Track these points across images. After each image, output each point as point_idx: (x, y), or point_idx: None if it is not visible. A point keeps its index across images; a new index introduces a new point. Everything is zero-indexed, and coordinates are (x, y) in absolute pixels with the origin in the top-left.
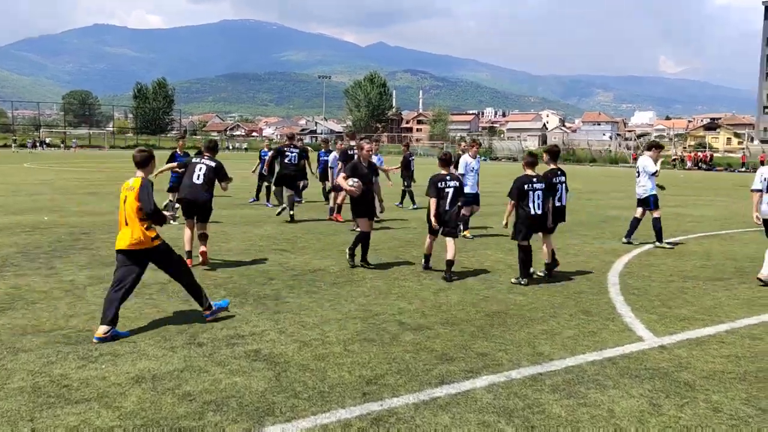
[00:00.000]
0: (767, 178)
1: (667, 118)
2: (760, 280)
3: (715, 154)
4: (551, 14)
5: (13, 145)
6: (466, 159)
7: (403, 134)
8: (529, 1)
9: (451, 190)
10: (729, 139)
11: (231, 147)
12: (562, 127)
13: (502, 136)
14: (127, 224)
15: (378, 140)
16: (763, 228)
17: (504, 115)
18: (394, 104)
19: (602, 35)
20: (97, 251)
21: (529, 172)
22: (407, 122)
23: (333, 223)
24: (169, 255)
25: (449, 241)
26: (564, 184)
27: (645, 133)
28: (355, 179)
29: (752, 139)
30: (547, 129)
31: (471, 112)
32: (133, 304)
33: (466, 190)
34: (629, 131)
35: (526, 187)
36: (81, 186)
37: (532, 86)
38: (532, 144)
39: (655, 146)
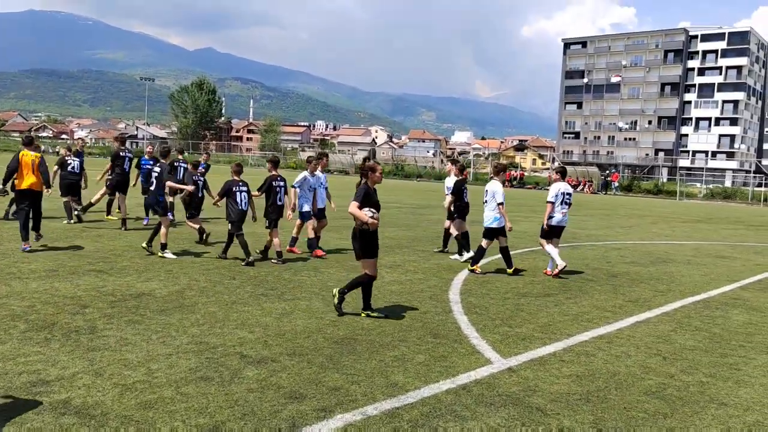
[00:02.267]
0: (564, 192)
1: (483, 139)
2: (546, 274)
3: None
4: (380, 35)
5: None
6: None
7: (232, 143)
8: (360, 21)
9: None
10: (534, 159)
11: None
12: (390, 143)
13: (333, 149)
14: None
15: (326, 156)
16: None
17: (335, 128)
18: (223, 112)
19: (427, 59)
20: None
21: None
22: (237, 131)
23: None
24: None
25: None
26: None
27: (465, 151)
28: (373, 209)
29: (554, 160)
30: (376, 144)
31: (302, 123)
32: None
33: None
34: (450, 149)
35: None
36: None
37: (361, 102)
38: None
39: (503, 169)
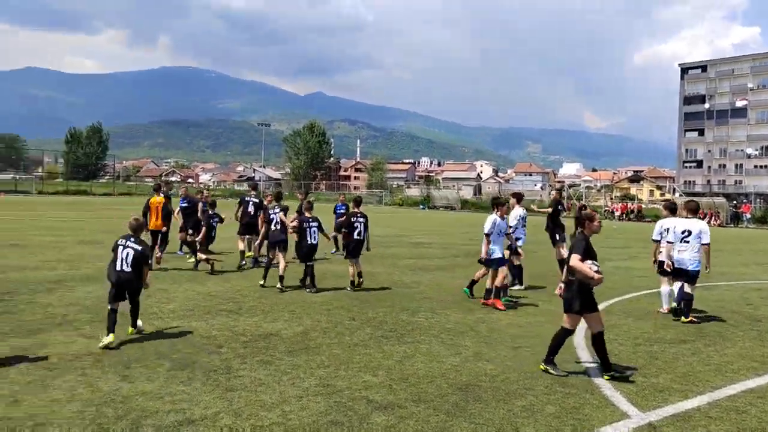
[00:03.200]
0: (668, 228)
1: (594, 170)
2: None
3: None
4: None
5: None
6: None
7: (341, 182)
8: (460, 60)
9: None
10: (652, 191)
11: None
12: (496, 177)
13: (438, 185)
14: None
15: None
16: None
17: (439, 164)
18: (332, 153)
19: (531, 91)
20: (20, 315)
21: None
22: (345, 170)
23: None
24: None
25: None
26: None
27: (575, 184)
28: (596, 262)
29: (674, 191)
30: (481, 179)
31: (407, 161)
32: (62, 382)
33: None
34: (559, 181)
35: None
36: (1, 236)
37: (465, 137)
38: (468, 193)
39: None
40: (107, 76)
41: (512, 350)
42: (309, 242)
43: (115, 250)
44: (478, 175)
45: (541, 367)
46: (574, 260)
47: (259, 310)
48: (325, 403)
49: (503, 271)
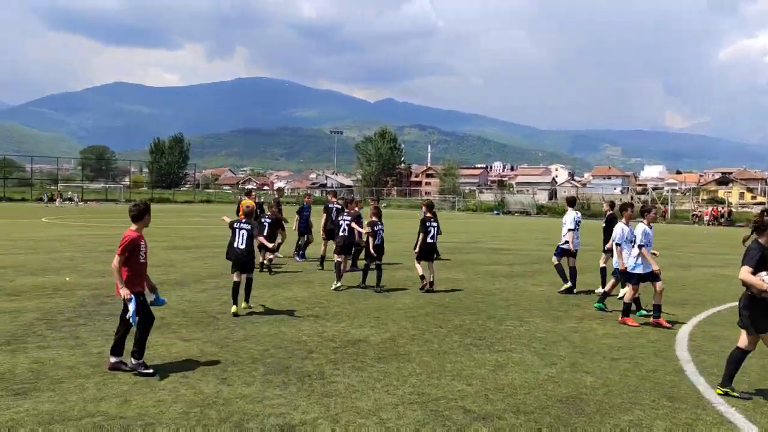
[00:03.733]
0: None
1: (678, 172)
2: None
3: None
4: (556, 72)
5: (44, 197)
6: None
7: (412, 188)
8: (534, 61)
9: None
10: (742, 193)
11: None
12: (572, 181)
13: (511, 189)
14: None
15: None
16: None
17: (512, 168)
18: (403, 159)
19: (608, 92)
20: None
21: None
22: (416, 176)
23: (360, 289)
24: None
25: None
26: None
27: (657, 187)
28: None
29: (766, 193)
30: (556, 183)
31: (479, 165)
32: (166, 383)
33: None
34: (640, 185)
35: None
36: (100, 243)
37: (538, 141)
38: (543, 198)
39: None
40: (186, 88)
41: (611, 362)
42: (377, 243)
43: (233, 230)
44: (553, 179)
45: (719, 390)
46: (744, 273)
47: (345, 315)
48: (422, 411)
49: (659, 285)
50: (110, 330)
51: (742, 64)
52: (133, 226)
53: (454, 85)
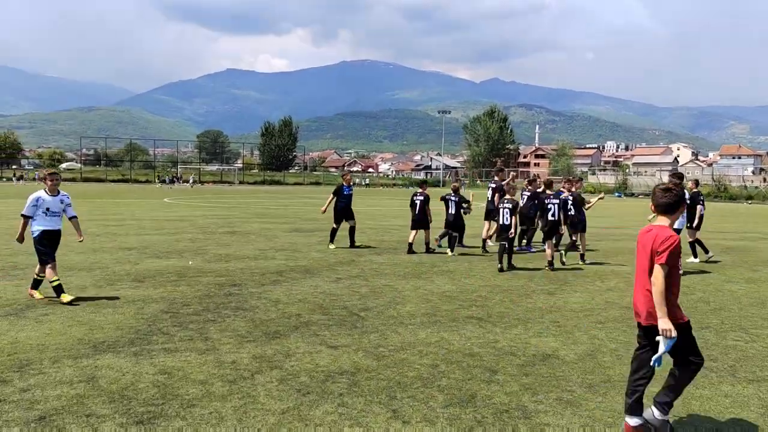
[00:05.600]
0: None
1: None
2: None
3: None
4: (677, 46)
5: (166, 179)
6: None
7: (520, 169)
8: (652, 36)
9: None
10: None
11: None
12: (696, 161)
13: (627, 170)
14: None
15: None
16: None
17: (627, 148)
18: (513, 139)
19: (735, 66)
20: (254, 313)
21: None
22: (524, 157)
23: (514, 274)
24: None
25: None
26: None
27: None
28: None
29: None
30: (678, 163)
31: (591, 146)
32: (325, 414)
33: None
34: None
35: None
36: (219, 224)
37: (656, 119)
38: (666, 179)
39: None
40: (294, 73)
41: None
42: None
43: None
44: (675, 159)
45: None
46: None
47: (513, 317)
48: None
49: None
50: (242, 330)
51: None
52: (666, 221)
53: (564, 62)
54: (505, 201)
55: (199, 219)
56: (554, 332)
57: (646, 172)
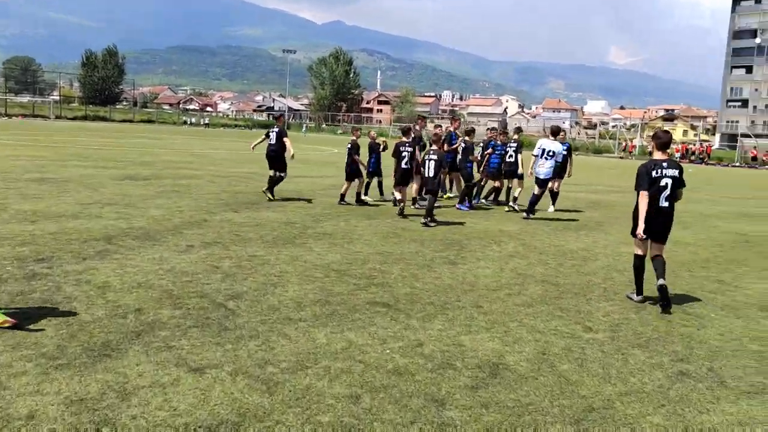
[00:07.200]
0: (544, 149)
1: (622, 108)
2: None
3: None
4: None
5: None
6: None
7: (363, 115)
8: None
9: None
10: (685, 131)
11: (188, 122)
12: (522, 113)
13: (464, 120)
14: None
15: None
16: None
17: (461, 98)
18: (359, 84)
19: (557, 24)
20: (69, 308)
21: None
22: (368, 102)
23: (401, 237)
24: None
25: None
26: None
27: (603, 122)
28: None
29: (707, 131)
30: (507, 114)
31: (429, 94)
32: None
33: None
34: (586, 119)
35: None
36: (26, 168)
37: (486, 71)
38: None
39: (557, 132)
40: None
41: None
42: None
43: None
44: (505, 110)
45: None
46: None
47: (426, 302)
48: None
49: None
50: (49, 345)
51: (687, 3)
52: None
53: (408, 11)
54: (431, 153)
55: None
56: (484, 324)
57: (479, 121)
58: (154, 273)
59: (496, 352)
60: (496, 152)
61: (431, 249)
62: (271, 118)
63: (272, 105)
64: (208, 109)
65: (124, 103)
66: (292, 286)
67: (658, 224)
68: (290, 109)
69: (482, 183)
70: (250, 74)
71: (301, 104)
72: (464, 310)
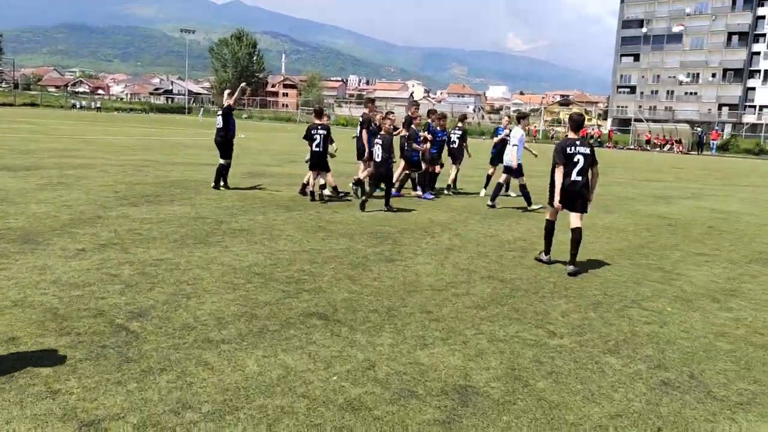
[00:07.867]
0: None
1: (521, 93)
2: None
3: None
4: None
5: None
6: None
7: (268, 98)
8: None
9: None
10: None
11: (78, 106)
12: (428, 98)
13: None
14: None
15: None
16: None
17: (368, 83)
18: (264, 67)
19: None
20: None
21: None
22: (273, 86)
23: (329, 231)
24: None
25: None
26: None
27: (506, 107)
28: None
29: (599, 116)
30: (413, 98)
31: (336, 78)
32: None
33: None
34: (489, 104)
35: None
36: None
37: (392, 56)
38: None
39: (524, 117)
40: None
41: None
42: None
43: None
44: (411, 95)
45: None
46: None
47: (369, 309)
48: None
49: None
50: None
51: None
52: None
53: None
54: (380, 137)
55: None
56: (439, 334)
57: (387, 105)
58: (34, 286)
59: (460, 370)
60: (437, 138)
61: (363, 244)
62: (170, 102)
63: (171, 88)
64: (100, 92)
65: (4, 85)
66: (210, 297)
67: (572, 194)
68: (190, 92)
69: (429, 170)
70: (144, 55)
71: (202, 87)
72: (413, 316)
